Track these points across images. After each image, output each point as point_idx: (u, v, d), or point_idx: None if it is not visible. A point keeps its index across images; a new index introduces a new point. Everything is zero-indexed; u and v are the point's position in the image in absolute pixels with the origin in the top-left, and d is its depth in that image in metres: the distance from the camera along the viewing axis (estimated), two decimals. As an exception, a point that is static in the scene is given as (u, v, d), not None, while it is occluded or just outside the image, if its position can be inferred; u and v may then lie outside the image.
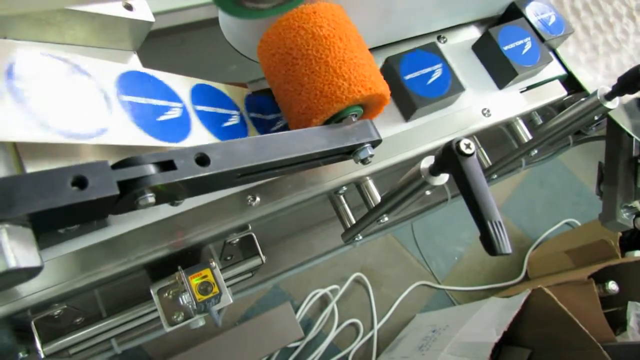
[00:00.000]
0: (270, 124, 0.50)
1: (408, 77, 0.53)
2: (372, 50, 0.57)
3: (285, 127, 0.50)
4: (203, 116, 0.43)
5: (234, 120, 0.46)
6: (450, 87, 0.54)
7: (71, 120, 0.33)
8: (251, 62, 0.49)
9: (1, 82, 0.31)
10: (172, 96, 0.41)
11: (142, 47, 0.45)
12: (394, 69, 0.53)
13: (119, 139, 0.35)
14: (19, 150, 0.33)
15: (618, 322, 1.11)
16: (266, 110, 0.50)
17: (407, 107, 0.54)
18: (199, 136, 0.41)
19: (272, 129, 0.49)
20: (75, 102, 0.34)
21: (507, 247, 0.34)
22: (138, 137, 0.36)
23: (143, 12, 0.41)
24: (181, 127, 0.40)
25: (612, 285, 1.12)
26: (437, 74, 0.55)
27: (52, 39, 0.38)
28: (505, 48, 0.59)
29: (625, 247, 1.27)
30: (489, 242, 0.35)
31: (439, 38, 0.62)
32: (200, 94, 0.44)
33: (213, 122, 0.43)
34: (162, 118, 0.39)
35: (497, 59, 0.59)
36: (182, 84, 0.43)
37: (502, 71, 0.59)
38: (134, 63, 0.44)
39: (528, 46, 0.60)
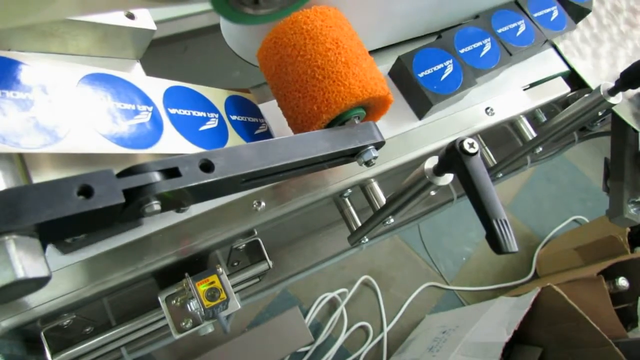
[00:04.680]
0: (252, 127, 0.48)
1: (422, 74, 0.54)
2: (372, 52, 0.57)
3: (268, 131, 0.49)
4: (176, 120, 0.41)
5: (212, 124, 0.43)
6: (462, 82, 0.55)
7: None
8: (254, 68, 0.50)
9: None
10: (143, 99, 0.39)
11: (145, 56, 0.45)
12: (406, 68, 0.54)
13: (81, 147, 0.33)
14: (25, 161, 0.33)
15: (629, 318, 1.10)
16: (248, 112, 0.48)
17: (422, 105, 0.54)
18: (171, 141, 0.39)
19: (255, 132, 0.48)
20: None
21: (513, 245, 0.34)
22: (102, 145, 0.34)
23: (145, 21, 0.41)
24: (151, 132, 0.38)
25: (622, 282, 1.11)
26: (449, 70, 0.55)
27: (55, 49, 0.39)
28: (499, 31, 0.60)
29: (635, 243, 1.26)
30: (494, 241, 0.34)
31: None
32: (174, 96, 0.42)
33: (188, 126, 0.41)
34: (130, 122, 0.37)
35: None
36: (155, 86, 0.40)
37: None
38: (137, 72, 0.44)
39: (522, 29, 0.62)
